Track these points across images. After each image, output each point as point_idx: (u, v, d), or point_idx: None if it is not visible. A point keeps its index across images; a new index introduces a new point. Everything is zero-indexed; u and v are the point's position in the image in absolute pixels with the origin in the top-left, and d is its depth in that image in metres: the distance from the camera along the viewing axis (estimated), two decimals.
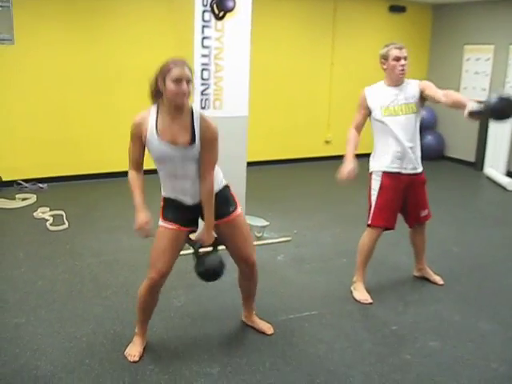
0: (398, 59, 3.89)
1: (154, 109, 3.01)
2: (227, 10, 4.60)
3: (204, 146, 2.99)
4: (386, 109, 3.93)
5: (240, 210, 3.30)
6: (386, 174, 4.00)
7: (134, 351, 3.25)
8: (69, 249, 4.99)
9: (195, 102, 4.62)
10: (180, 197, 3.13)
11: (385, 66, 3.97)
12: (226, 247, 3.34)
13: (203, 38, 4.59)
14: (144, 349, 3.30)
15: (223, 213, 3.20)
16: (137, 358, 3.21)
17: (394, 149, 3.96)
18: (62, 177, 7.30)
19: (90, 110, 7.36)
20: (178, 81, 2.86)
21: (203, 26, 4.57)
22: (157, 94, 2.98)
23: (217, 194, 3.15)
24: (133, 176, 3.12)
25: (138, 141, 3.02)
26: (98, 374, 3.07)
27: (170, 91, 2.87)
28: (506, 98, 3.34)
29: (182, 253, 4.81)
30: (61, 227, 5.52)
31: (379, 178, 4.02)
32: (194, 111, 3.01)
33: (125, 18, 7.36)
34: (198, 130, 2.97)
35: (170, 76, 2.86)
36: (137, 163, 3.10)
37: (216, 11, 4.58)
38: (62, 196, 6.72)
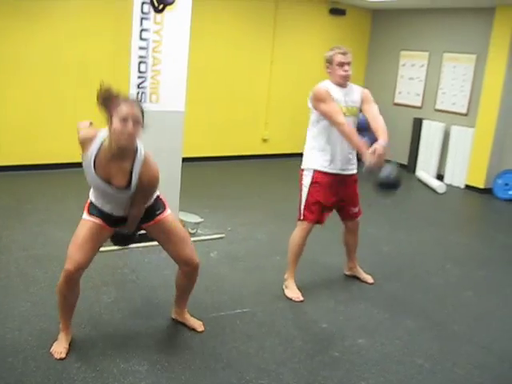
0: (341, 65, 3.92)
1: (100, 137, 2.85)
2: (167, 3, 4.52)
3: (140, 189, 2.94)
4: (340, 107, 3.94)
5: (169, 212, 3.27)
6: (318, 172, 4.04)
7: (59, 348, 3.15)
8: None
9: (131, 95, 4.53)
10: (107, 211, 3.10)
11: (329, 70, 4.00)
12: (165, 249, 3.34)
13: (141, 31, 4.50)
14: (71, 346, 3.21)
15: (148, 216, 3.19)
16: (63, 355, 3.11)
17: (333, 148, 4.00)
18: None
19: (27, 100, 7.10)
20: (124, 120, 2.72)
21: (142, 18, 4.49)
22: (105, 129, 2.86)
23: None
24: None
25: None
26: (22, 373, 2.96)
27: (115, 129, 2.75)
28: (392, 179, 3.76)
29: (114, 248, 4.73)
30: None
31: (311, 175, 4.06)
32: (139, 153, 2.89)
33: (65, 7, 7.15)
34: (135, 176, 2.89)
35: (118, 113, 2.73)
36: None
37: (155, 4, 4.51)
38: None
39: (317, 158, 4.04)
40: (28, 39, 6.97)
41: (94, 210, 3.12)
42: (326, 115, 3.90)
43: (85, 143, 2.86)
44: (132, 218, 3.10)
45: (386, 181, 3.73)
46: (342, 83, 3.98)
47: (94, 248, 3.11)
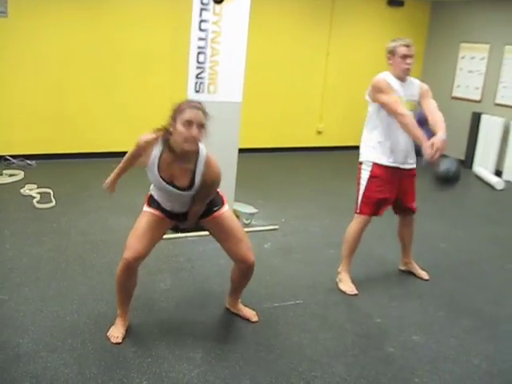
0: (404, 57, 3.87)
1: (161, 141, 2.91)
2: None
3: (203, 186, 3.00)
4: (400, 98, 3.89)
5: (226, 208, 3.30)
6: (377, 165, 3.98)
7: (116, 333, 3.23)
8: (55, 227, 4.95)
9: (189, 86, 4.58)
10: (168, 209, 3.17)
11: (390, 61, 3.95)
12: (221, 246, 3.36)
13: (201, 21, 4.53)
14: (127, 331, 3.28)
15: (206, 212, 3.23)
16: (120, 340, 3.19)
17: (393, 141, 3.94)
18: (51, 154, 7.23)
19: (84, 89, 7.29)
20: (188, 123, 2.75)
21: (201, 9, 4.52)
22: (167, 133, 2.88)
23: None
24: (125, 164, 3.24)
25: (137, 157, 3.02)
26: (80, 354, 3.04)
27: (179, 134, 2.78)
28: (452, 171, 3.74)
29: (169, 236, 4.80)
30: (48, 205, 5.47)
31: (369, 169, 4.00)
32: (200, 153, 2.94)
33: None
34: (199, 176, 2.95)
35: (182, 117, 2.76)
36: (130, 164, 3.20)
37: None
38: (51, 174, 6.66)
39: (375, 151, 3.99)
40: (86, 31, 7.13)
41: (154, 203, 3.19)
42: (386, 106, 3.83)
43: (146, 146, 2.90)
44: (193, 214, 3.17)
45: (446, 175, 3.68)
46: (403, 76, 3.93)
47: (153, 239, 3.16)
